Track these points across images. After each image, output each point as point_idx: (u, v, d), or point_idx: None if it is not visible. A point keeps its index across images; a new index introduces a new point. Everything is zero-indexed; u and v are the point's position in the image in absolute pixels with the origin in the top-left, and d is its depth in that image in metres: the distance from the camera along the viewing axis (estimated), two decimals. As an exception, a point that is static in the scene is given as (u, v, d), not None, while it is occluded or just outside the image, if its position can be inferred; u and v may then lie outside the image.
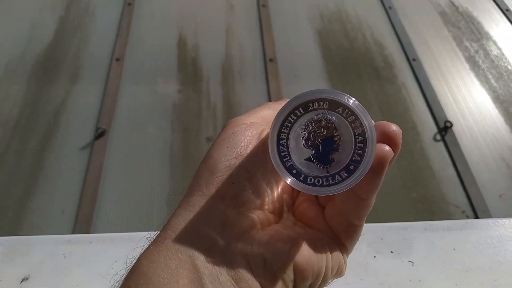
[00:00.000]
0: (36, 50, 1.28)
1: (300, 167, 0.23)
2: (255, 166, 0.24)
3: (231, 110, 1.15)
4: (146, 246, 0.23)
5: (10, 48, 1.28)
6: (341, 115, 0.22)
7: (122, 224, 0.91)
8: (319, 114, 0.23)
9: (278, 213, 0.26)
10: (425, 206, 1.02)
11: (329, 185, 0.22)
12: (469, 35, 1.50)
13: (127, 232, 0.45)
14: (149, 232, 0.25)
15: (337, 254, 0.25)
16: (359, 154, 0.22)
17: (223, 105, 1.17)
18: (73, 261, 0.39)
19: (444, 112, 1.22)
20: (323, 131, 0.23)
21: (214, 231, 0.22)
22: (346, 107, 0.22)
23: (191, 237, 0.22)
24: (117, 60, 1.25)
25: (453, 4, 1.63)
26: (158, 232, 0.24)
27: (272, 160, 0.23)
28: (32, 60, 1.25)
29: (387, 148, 0.22)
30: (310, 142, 0.23)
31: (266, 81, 1.24)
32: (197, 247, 0.22)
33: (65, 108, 1.13)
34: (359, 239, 0.39)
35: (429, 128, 1.18)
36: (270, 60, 1.30)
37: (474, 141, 1.16)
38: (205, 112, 1.15)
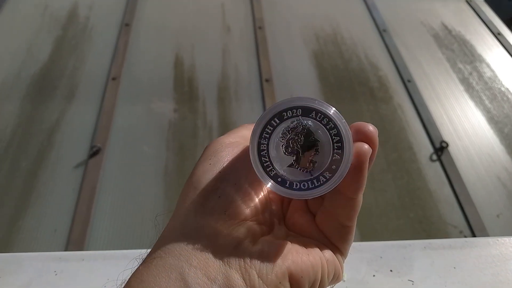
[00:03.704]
0: (32, 69, 1.28)
1: (284, 175, 0.23)
2: (241, 178, 0.24)
3: (227, 130, 1.15)
4: (136, 267, 0.23)
5: (5, 68, 1.28)
6: (315, 119, 0.23)
7: (116, 243, 0.90)
8: (294, 121, 0.23)
9: (268, 225, 0.26)
10: (423, 226, 1.01)
11: (315, 187, 0.23)
12: (462, 57, 1.53)
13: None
14: (141, 250, 0.25)
15: (333, 259, 0.26)
16: (338, 153, 0.23)
17: (219, 125, 1.17)
18: (65, 279, 0.38)
19: (440, 133, 1.22)
20: (301, 137, 0.24)
21: (205, 247, 0.22)
22: (318, 111, 0.23)
23: (180, 255, 0.22)
24: (113, 79, 1.25)
25: (446, 27, 1.66)
26: (148, 252, 0.23)
27: (256, 171, 0.23)
28: (28, 79, 1.24)
29: (366, 146, 0.23)
30: (290, 149, 0.24)
31: (262, 101, 1.24)
32: (188, 264, 0.21)
33: (59, 127, 1.12)
34: (359, 258, 0.39)
35: (425, 148, 1.18)
36: (266, 80, 1.31)
37: (470, 161, 1.16)
38: (201, 131, 1.15)
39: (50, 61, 1.31)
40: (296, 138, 0.23)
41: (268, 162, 0.23)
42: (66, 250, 0.87)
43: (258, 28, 1.51)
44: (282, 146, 0.24)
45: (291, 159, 0.24)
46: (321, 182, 0.23)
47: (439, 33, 1.63)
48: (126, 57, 1.34)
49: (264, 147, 0.23)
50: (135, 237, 0.91)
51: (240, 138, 0.28)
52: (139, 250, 0.26)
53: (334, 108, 0.23)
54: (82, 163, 1.04)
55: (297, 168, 0.24)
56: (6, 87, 1.22)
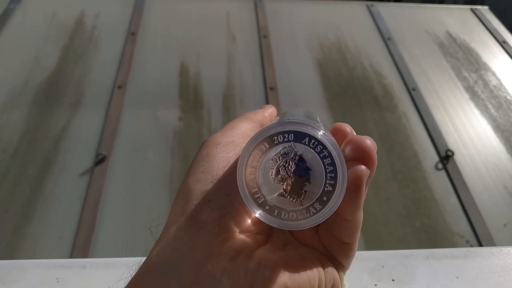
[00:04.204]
0: (39, 77, 1.29)
1: (272, 203, 0.22)
2: (234, 188, 0.23)
3: (232, 138, 1.15)
4: (128, 279, 0.22)
5: (13, 76, 1.29)
6: (308, 145, 0.22)
7: (121, 250, 0.90)
8: (285, 147, 0.22)
9: (266, 233, 0.24)
10: (429, 235, 1.00)
11: (304, 218, 0.22)
12: (467, 65, 1.52)
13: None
14: (140, 258, 0.25)
15: (332, 272, 0.24)
16: (331, 184, 0.21)
17: (224, 133, 1.17)
18: (66, 286, 0.38)
19: (445, 141, 1.22)
20: (291, 164, 0.22)
21: (197, 263, 0.21)
22: (312, 137, 0.21)
23: (172, 270, 0.21)
24: (119, 87, 1.26)
25: (450, 35, 1.66)
26: (141, 263, 0.22)
27: (243, 198, 0.22)
28: (35, 87, 1.26)
29: (363, 167, 0.21)
30: (280, 177, 0.22)
31: (267, 109, 1.25)
32: (179, 280, 0.20)
33: (65, 134, 1.13)
34: (360, 267, 0.38)
35: (430, 157, 1.18)
36: (271, 88, 1.31)
37: (476, 170, 1.15)
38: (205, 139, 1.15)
39: (57, 69, 1.33)
40: (286, 165, 0.22)
41: (257, 189, 0.22)
42: (71, 257, 0.87)
43: (262, 36, 1.52)
44: (272, 173, 0.22)
45: (280, 187, 0.22)
46: (311, 213, 0.22)
47: (444, 42, 1.63)
48: (132, 65, 1.35)
49: (253, 172, 0.22)
50: (140, 244, 0.91)
51: (237, 136, 0.27)
52: (140, 258, 0.26)
53: (328, 134, 0.22)
54: (88, 170, 1.05)
55: (287, 197, 0.22)
56: (14, 94, 1.23)
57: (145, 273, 0.21)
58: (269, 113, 0.30)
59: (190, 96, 1.27)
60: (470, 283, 0.41)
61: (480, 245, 0.98)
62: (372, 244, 0.96)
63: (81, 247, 0.89)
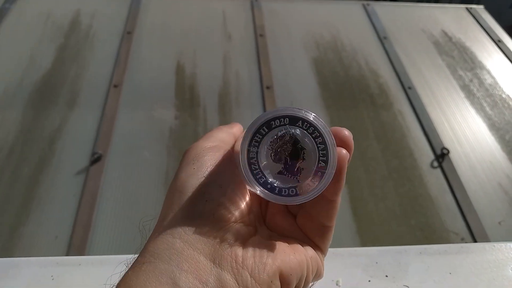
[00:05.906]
0: (34, 77, 1.29)
1: (273, 181, 0.24)
2: (225, 180, 0.25)
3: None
4: (124, 272, 0.22)
5: (8, 75, 1.29)
6: (302, 128, 0.24)
7: (117, 249, 0.90)
8: (282, 130, 0.24)
9: (254, 226, 0.26)
10: (424, 233, 1.00)
11: (302, 193, 0.24)
12: (462, 64, 1.53)
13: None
14: (133, 256, 0.25)
15: (315, 257, 0.26)
16: (323, 161, 0.24)
17: (220, 131, 1.17)
18: (62, 283, 0.38)
19: (441, 139, 1.22)
20: (288, 145, 0.24)
21: (196, 250, 0.22)
22: (304, 120, 0.24)
23: (170, 259, 0.22)
24: (115, 86, 1.26)
25: (446, 34, 1.67)
26: (135, 258, 0.23)
27: (246, 178, 0.24)
28: (30, 86, 1.26)
29: (344, 151, 0.24)
30: (278, 157, 0.24)
31: (263, 108, 1.25)
32: (179, 268, 0.21)
33: (61, 134, 1.13)
34: (354, 263, 0.39)
35: (426, 155, 1.18)
36: (267, 87, 1.31)
37: (472, 168, 1.16)
38: (202, 138, 1.15)
39: (52, 68, 1.33)
40: (284, 146, 0.24)
41: (258, 170, 0.24)
42: (67, 255, 0.87)
43: (259, 35, 1.52)
44: (271, 154, 0.24)
45: (279, 166, 0.24)
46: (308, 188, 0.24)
47: (439, 40, 1.63)
48: (128, 64, 1.35)
49: (254, 154, 0.24)
50: (136, 243, 0.91)
51: (219, 142, 0.29)
52: (135, 256, 0.26)
53: (319, 117, 0.24)
54: (84, 169, 1.04)
55: (285, 175, 0.24)
56: (9, 94, 1.23)
57: (143, 263, 0.22)
58: (237, 128, 0.33)
59: (186, 95, 1.27)
60: (463, 278, 0.41)
61: (475, 242, 0.99)
62: (368, 243, 0.96)
63: (77, 246, 0.89)
